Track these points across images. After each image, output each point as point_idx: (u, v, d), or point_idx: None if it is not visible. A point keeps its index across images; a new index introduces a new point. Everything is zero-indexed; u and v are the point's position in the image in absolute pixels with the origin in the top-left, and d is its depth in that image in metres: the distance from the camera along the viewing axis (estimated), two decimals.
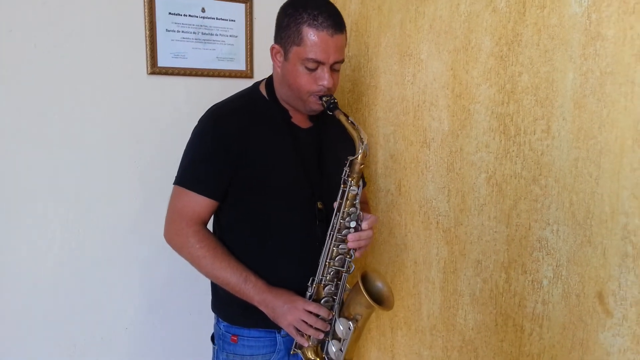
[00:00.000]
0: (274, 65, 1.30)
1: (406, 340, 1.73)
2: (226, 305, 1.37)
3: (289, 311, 1.25)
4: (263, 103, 1.33)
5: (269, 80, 1.36)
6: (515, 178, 1.28)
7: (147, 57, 1.66)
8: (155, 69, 1.67)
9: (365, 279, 1.33)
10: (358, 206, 1.27)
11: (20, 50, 1.50)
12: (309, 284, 1.30)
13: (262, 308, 1.27)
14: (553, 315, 1.22)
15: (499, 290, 1.35)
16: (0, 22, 1.47)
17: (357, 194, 1.25)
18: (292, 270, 1.32)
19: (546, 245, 1.22)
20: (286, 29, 1.21)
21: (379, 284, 1.35)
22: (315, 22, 1.17)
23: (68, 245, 1.62)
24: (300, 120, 1.36)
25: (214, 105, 1.32)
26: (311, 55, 1.19)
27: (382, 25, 1.70)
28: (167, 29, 1.68)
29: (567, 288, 1.18)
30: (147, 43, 1.65)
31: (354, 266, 1.31)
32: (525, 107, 1.23)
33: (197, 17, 1.73)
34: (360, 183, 1.28)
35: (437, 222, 1.55)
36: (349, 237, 1.26)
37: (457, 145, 1.44)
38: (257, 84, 1.38)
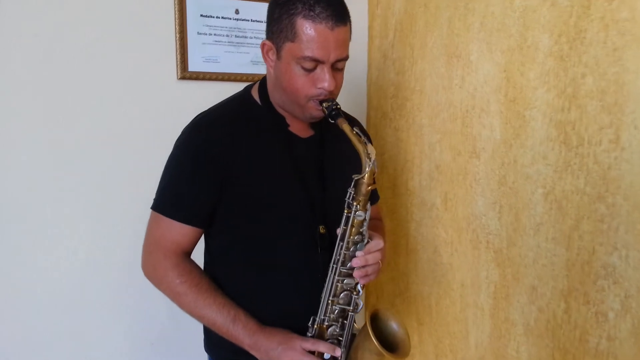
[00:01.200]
0: (266, 66, 1.15)
1: None
2: (218, 346, 1.23)
3: (284, 353, 1.10)
4: (255, 109, 1.19)
5: (263, 83, 1.21)
6: (578, 195, 1.20)
7: (177, 62, 1.63)
8: (185, 74, 1.64)
9: (375, 319, 1.18)
10: (366, 234, 1.13)
11: (44, 54, 1.49)
12: (309, 323, 1.15)
13: (254, 353, 1.13)
14: (620, 353, 1.14)
15: (557, 321, 1.27)
16: (24, 25, 1.46)
17: (364, 219, 1.11)
18: (290, 305, 1.18)
19: (613, 272, 1.14)
20: (278, 21, 1.06)
21: (392, 325, 1.20)
22: (312, 13, 1.02)
23: (93, 258, 1.61)
24: (299, 129, 1.21)
25: (199, 114, 1.20)
26: (308, 53, 1.04)
27: (429, 24, 1.64)
28: (198, 32, 1.64)
29: (638, 323, 1.10)
30: (178, 47, 1.62)
31: (362, 303, 1.16)
32: (589, 113, 1.16)
33: (230, 19, 1.68)
34: (368, 207, 1.14)
35: (487, 242, 1.48)
36: (353, 262, 1.11)
37: (511, 156, 1.37)
38: (249, 87, 1.24)
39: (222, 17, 1.67)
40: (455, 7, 1.52)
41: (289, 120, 1.19)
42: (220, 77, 1.69)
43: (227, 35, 1.69)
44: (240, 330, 1.11)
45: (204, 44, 1.66)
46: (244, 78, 1.70)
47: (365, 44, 1.97)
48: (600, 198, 1.15)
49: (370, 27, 1.95)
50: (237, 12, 1.69)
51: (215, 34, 1.67)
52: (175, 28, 1.61)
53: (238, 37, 1.70)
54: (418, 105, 1.72)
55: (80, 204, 1.58)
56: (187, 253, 1.17)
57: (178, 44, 1.61)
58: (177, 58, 1.63)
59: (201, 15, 1.64)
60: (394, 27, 1.81)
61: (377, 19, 1.91)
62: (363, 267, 1.11)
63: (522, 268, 1.36)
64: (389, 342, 1.16)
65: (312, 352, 1.12)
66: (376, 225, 1.35)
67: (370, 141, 1.30)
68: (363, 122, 1.99)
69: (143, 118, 1.62)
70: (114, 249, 1.63)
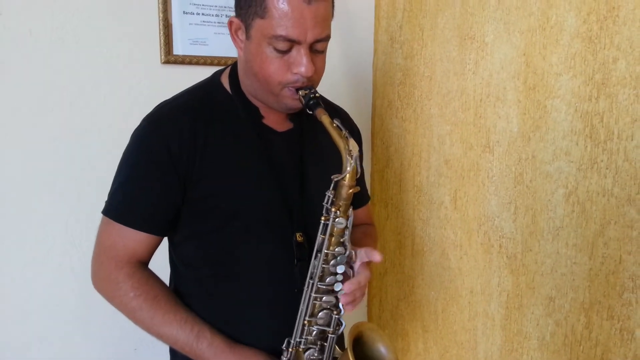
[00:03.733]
0: (236, 48, 1.05)
1: None
2: None
3: None
4: (224, 98, 1.09)
5: (234, 68, 1.11)
6: (604, 196, 1.15)
7: (160, 44, 1.57)
8: (170, 58, 1.58)
9: (359, 342, 1.08)
10: (348, 245, 1.03)
11: (13, 36, 1.44)
12: (284, 346, 1.05)
13: None
14: None
15: (576, 337, 1.23)
16: None
17: (345, 227, 1.01)
18: (263, 323, 1.09)
19: None
20: None
21: (380, 348, 1.09)
22: None
23: (69, 256, 1.58)
24: (275, 121, 1.11)
25: (161, 103, 1.11)
26: (280, 32, 0.94)
27: (440, 2, 1.60)
28: (184, 11, 1.57)
29: None
30: (161, 27, 1.56)
31: (344, 323, 1.07)
32: (620, 104, 1.10)
33: None
34: (350, 212, 1.04)
35: (500, 246, 1.43)
36: (345, 286, 1.01)
37: (529, 151, 1.33)
38: (219, 72, 1.15)
39: None
40: None
41: (263, 111, 1.10)
42: (209, 61, 1.63)
43: (217, 15, 1.63)
44: (205, 348, 1.02)
45: (190, 24, 1.60)
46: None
47: (372, 26, 1.94)
48: (630, 200, 1.09)
49: (376, 7, 1.92)
50: None
51: (203, 14, 1.61)
52: (159, 7, 1.54)
53: (229, 16, 1.61)
54: (427, 93, 1.68)
55: (52, 200, 1.54)
56: (144, 263, 1.08)
57: (161, 24, 1.55)
58: (160, 40, 1.57)
59: None
60: (402, 7, 1.76)
61: None
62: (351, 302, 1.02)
63: (538, 276, 1.32)
64: None
65: None
66: (366, 232, 1.27)
67: (358, 135, 1.23)
68: (368, 111, 1.99)
69: (124, 106, 1.57)
70: (90, 250, 1.57)
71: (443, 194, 1.64)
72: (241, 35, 1.01)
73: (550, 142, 1.26)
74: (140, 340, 1.67)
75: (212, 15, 1.62)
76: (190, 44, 1.60)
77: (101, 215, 1.06)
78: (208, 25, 1.62)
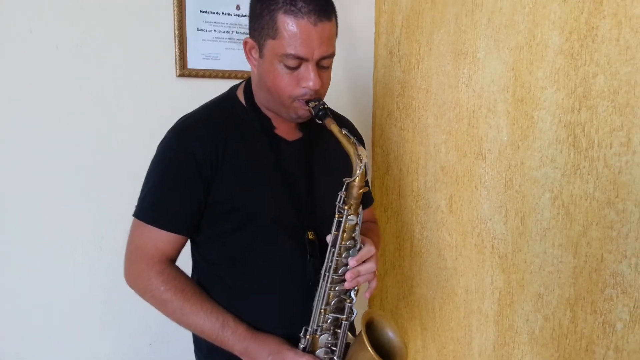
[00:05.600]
0: (250, 66, 1.13)
1: None
2: (207, 353, 1.22)
3: None
4: (240, 111, 1.16)
5: (248, 83, 1.18)
6: (586, 200, 1.18)
7: (176, 59, 1.63)
8: (184, 71, 1.64)
9: (370, 327, 1.15)
10: (358, 239, 1.10)
11: (41, 51, 1.48)
12: (301, 334, 1.12)
13: (244, 358, 1.11)
14: None
15: (563, 330, 1.26)
16: (20, 22, 1.45)
17: (355, 224, 1.08)
18: (280, 315, 1.16)
19: (622, 281, 1.12)
20: (259, 18, 1.03)
21: (388, 333, 1.17)
22: (293, 8, 0.99)
23: (90, 256, 1.62)
24: (285, 131, 1.18)
25: (182, 116, 1.18)
26: (290, 50, 1.01)
27: (435, 20, 1.63)
28: (198, 28, 1.63)
29: None
30: (176, 43, 1.61)
31: (356, 311, 1.14)
32: (600, 115, 1.14)
33: (231, 14, 1.66)
34: (360, 210, 1.10)
35: (492, 246, 1.46)
36: (347, 275, 1.08)
37: (518, 159, 1.36)
38: (235, 87, 1.22)
39: (223, 13, 1.65)
40: (462, 3, 1.50)
41: (275, 122, 1.16)
42: (220, 74, 1.68)
43: (228, 32, 1.68)
44: (229, 336, 1.09)
45: (203, 40, 1.64)
46: (245, 76, 1.67)
47: (372, 41, 1.97)
48: (610, 203, 1.12)
49: (376, 24, 1.94)
50: (238, 7, 1.67)
51: (215, 30, 1.66)
52: (174, 24, 1.59)
53: (239, 33, 1.68)
54: (424, 104, 1.70)
55: (77, 202, 1.58)
56: (172, 260, 1.15)
57: (177, 40, 1.60)
58: (176, 55, 1.62)
59: (201, 11, 1.62)
60: (400, 24, 1.79)
61: (383, 15, 1.90)
62: (355, 277, 1.08)
63: (527, 275, 1.34)
64: (384, 351, 1.12)
65: None
66: (370, 228, 1.33)
67: (362, 142, 1.28)
68: (368, 121, 2.01)
69: (141, 117, 1.61)
70: (111, 249, 1.63)
71: (439, 198, 1.66)
72: (255, 54, 1.08)
73: (537, 150, 1.29)
74: (155, 336, 1.71)
75: (224, 32, 1.67)
76: (203, 58, 1.64)
77: (132, 217, 1.12)
78: (219, 41, 1.66)
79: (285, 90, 1.05)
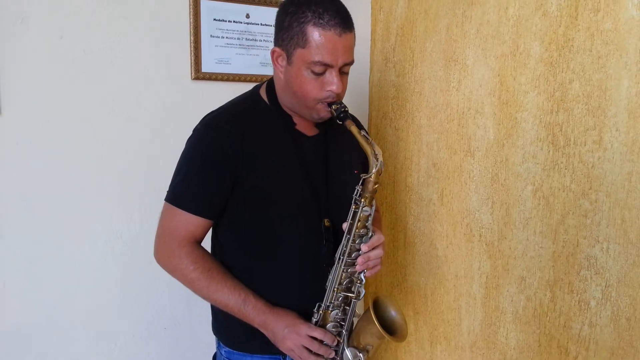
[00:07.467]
0: (275, 70, 1.19)
1: (445, 356, 1.69)
2: (227, 329, 1.29)
3: (289, 336, 1.16)
4: (263, 108, 1.22)
5: (270, 84, 1.24)
6: (564, 191, 1.25)
7: (191, 63, 1.67)
8: (199, 75, 1.68)
9: (377, 305, 1.23)
10: (370, 227, 1.17)
11: (70, 56, 1.54)
12: (314, 309, 1.20)
13: (263, 331, 1.18)
14: (601, 339, 1.19)
15: (544, 309, 1.32)
16: (52, 29, 1.51)
17: (369, 215, 1.15)
18: (296, 293, 1.23)
19: (595, 264, 1.19)
20: (288, 29, 1.10)
21: (391, 312, 1.25)
22: (321, 21, 1.06)
23: (111, 246, 1.66)
24: (305, 127, 1.24)
25: (209, 113, 1.23)
26: (318, 58, 1.08)
27: (428, 29, 1.68)
28: (211, 35, 1.69)
29: (617, 310, 1.16)
30: (192, 49, 1.66)
31: (364, 291, 1.20)
32: (575, 116, 1.21)
33: (241, 22, 1.72)
34: (374, 203, 1.18)
35: (480, 235, 1.51)
36: (358, 260, 1.16)
37: (503, 155, 1.41)
38: (258, 87, 1.27)
39: (234, 21, 1.71)
40: (453, 15, 1.55)
41: (295, 119, 1.23)
42: (231, 77, 1.73)
43: (238, 39, 1.73)
44: (250, 310, 1.16)
45: (216, 46, 1.70)
46: (254, 79, 1.74)
47: (368, 47, 2.00)
48: (584, 195, 1.20)
49: (372, 31, 1.98)
50: (247, 16, 1.73)
51: (227, 37, 1.71)
52: (190, 31, 1.64)
53: (248, 40, 1.74)
54: (417, 106, 1.75)
55: (98, 197, 1.62)
56: (199, 241, 1.22)
57: (192, 46, 1.65)
58: (191, 59, 1.67)
59: (214, 19, 1.68)
60: (395, 32, 1.84)
61: (379, 24, 1.93)
62: (366, 262, 1.16)
63: (511, 260, 1.40)
64: (388, 327, 1.20)
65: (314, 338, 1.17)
66: (374, 216, 1.42)
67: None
68: (365, 122, 2.04)
69: (159, 116, 1.66)
70: (129, 240, 1.67)
71: (431, 192, 1.71)
72: (282, 61, 1.14)
73: (520, 147, 1.35)
74: (169, 320, 1.76)
75: (235, 38, 1.72)
76: (216, 63, 1.69)
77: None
78: (231, 47, 1.71)
79: (311, 94, 1.12)
